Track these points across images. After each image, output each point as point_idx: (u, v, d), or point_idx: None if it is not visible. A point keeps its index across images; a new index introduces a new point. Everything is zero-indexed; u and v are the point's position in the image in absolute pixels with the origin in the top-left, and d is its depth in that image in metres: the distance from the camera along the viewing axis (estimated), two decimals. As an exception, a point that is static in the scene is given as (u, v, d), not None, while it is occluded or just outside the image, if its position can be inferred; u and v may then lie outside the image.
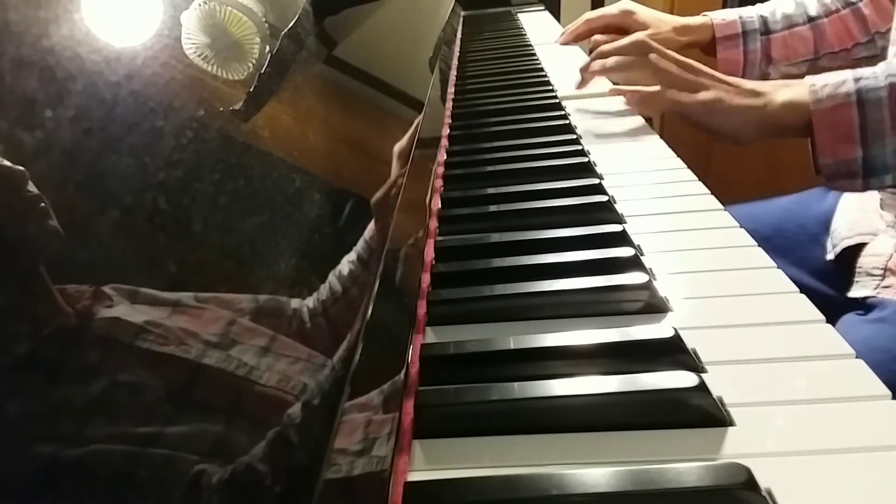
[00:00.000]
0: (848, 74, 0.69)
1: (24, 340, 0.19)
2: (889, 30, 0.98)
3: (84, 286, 0.21)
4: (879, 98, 0.66)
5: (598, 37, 1.18)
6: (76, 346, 0.20)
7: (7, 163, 0.20)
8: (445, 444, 0.35)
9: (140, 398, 0.21)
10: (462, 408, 0.35)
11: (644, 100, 0.84)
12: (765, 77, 1.09)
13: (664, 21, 1.14)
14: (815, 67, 1.08)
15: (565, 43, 1.28)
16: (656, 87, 0.81)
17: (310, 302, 0.31)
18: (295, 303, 0.30)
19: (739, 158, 1.95)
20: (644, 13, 1.15)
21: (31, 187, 0.21)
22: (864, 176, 0.68)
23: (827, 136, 0.68)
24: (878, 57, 1.07)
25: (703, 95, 0.76)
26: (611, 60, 0.87)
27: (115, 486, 0.19)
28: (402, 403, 0.35)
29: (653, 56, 0.81)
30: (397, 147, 0.54)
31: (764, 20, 1.08)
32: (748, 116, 0.74)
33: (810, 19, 1.07)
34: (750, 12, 1.09)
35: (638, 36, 0.89)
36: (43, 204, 0.21)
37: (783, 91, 0.73)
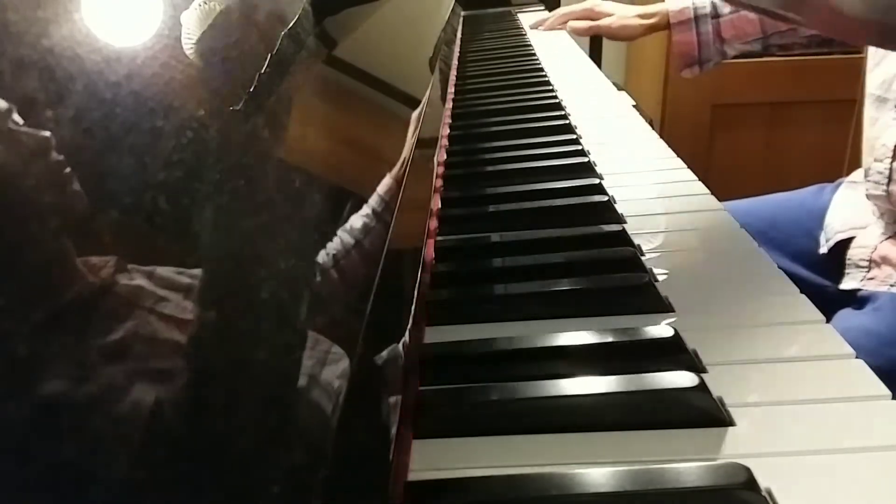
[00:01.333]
0: (689, 4, 1.14)
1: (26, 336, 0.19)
2: None
3: (108, 257, 0.22)
4: (708, 28, 1.05)
5: (572, 24, 1.45)
6: (80, 335, 0.20)
7: (31, 130, 0.21)
8: (445, 444, 0.35)
9: (136, 388, 0.21)
10: (462, 408, 0.35)
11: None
12: (722, 54, 1.28)
13: (627, 10, 1.36)
14: (767, 45, 1.25)
15: (535, 27, 1.55)
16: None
17: (309, 302, 0.31)
18: (293, 302, 0.30)
19: (739, 158, 1.95)
20: (607, 5, 1.38)
21: (56, 155, 0.21)
22: (700, 64, 1.16)
23: (677, 45, 1.14)
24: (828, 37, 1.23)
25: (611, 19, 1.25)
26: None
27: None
28: (402, 403, 0.35)
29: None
30: (397, 147, 0.54)
31: (714, 5, 1.24)
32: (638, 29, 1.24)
33: None
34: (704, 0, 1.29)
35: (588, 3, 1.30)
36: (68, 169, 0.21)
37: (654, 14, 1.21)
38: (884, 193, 0.83)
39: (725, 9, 1.21)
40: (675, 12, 1.24)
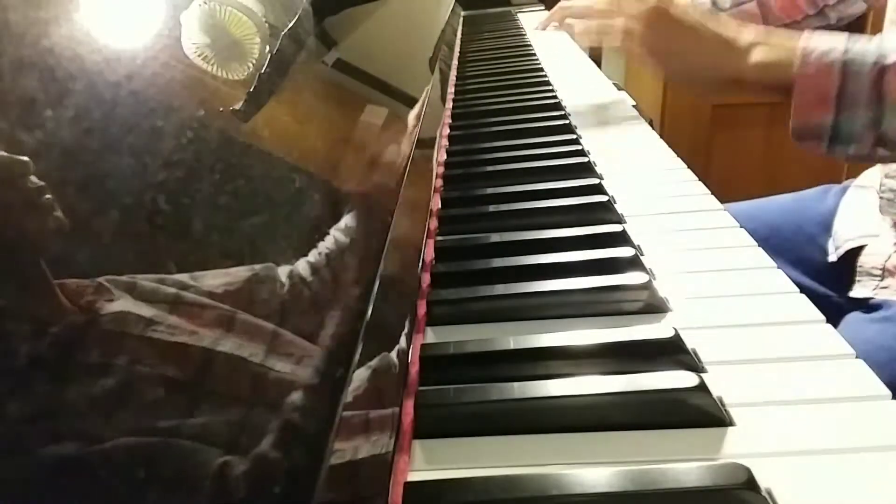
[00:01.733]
0: (839, 44, 0.68)
1: (27, 337, 0.19)
2: (838, 2, 1.06)
3: (86, 281, 0.21)
4: (863, 72, 0.66)
5: (568, 20, 1.31)
6: (79, 341, 0.20)
7: (8, 155, 0.21)
8: (445, 444, 0.35)
9: (138, 390, 0.21)
10: (462, 408, 0.35)
11: (589, 34, 0.89)
12: None
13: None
14: None
15: (543, 28, 1.41)
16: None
17: (308, 302, 0.31)
18: (292, 301, 0.30)
19: (739, 158, 1.95)
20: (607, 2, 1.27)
21: (35, 180, 0.21)
22: (830, 141, 0.69)
23: (804, 100, 0.69)
24: (832, 27, 1.12)
25: (652, 47, 0.77)
26: (579, 26, 0.91)
27: (118, 477, 0.19)
28: (402, 403, 0.35)
29: (619, 21, 0.82)
30: (397, 146, 0.54)
31: (714, 1, 1.16)
32: (711, 72, 0.74)
33: None
34: None
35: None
36: (47, 196, 0.21)
37: (761, 50, 0.72)
38: None
39: (725, 3, 1.17)
40: None
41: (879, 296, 0.79)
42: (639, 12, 0.79)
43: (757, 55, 0.72)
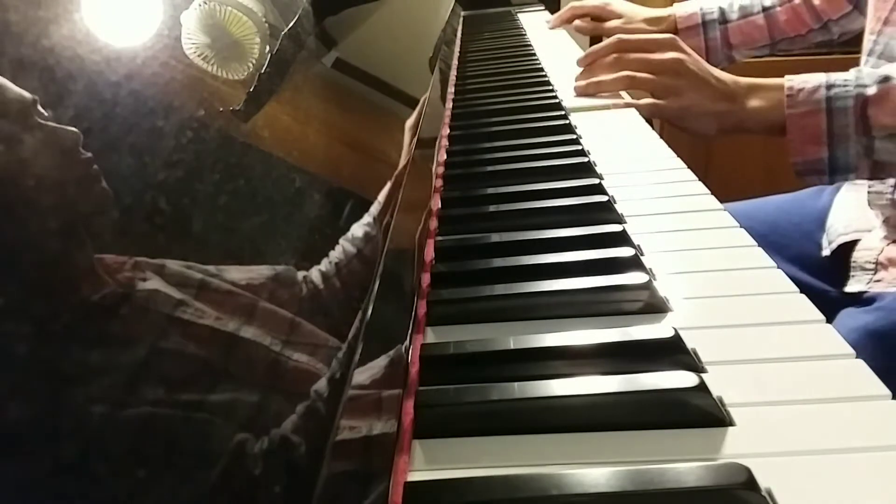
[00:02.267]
0: (822, 80, 0.75)
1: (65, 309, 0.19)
2: (841, 17, 1.12)
3: (123, 258, 0.22)
4: (847, 107, 0.72)
5: (577, 22, 1.37)
6: (96, 326, 0.20)
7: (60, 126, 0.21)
8: (445, 444, 0.35)
9: (155, 372, 0.21)
10: (462, 408, 0.35)
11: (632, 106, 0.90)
12: (730, 59, 1.23)
13: (636, 13, 1.30)
14: (775, 51, 1.23)
15: (554, 27, 1.46)
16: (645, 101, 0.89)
17: (308, 302, 0.31)
18: (292, 302, 0.30)
19: (739, 158, 1.95)
20: (618, 5, 1.32)
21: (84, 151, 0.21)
22: (830, 173, 0.76)
23: (797, 138, 0.76)
24: (834, 42, 1.20)
25: (677, 101, 0.83)
26: (592, 86, 0.93)
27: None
28: (402, 403, 0.35)
29: (628, 72, 0.88)
30: (397, 146, 0.54)
31: (722, 11, 1.20)
32: (719, 119, 0.82)
33: (764, 9, 1.19)
34: (711, 5, 1.22)
35: (613, 56, 0.92)
36: (95, 167, 0.21)
37: (756, 96, 0.80)
38: (888, 203, 0.83)
39: (733, 14, 1.20)
40: (682, 17, 1.23)
41: (873, 289, 0.81)
42: (660, 62, 0.85)
43: (753, 102, 0.79)
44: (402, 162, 0.51)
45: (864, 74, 0.73)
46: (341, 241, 0.36)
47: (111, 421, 0.19)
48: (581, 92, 0.94)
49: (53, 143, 0.21)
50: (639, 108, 0.87)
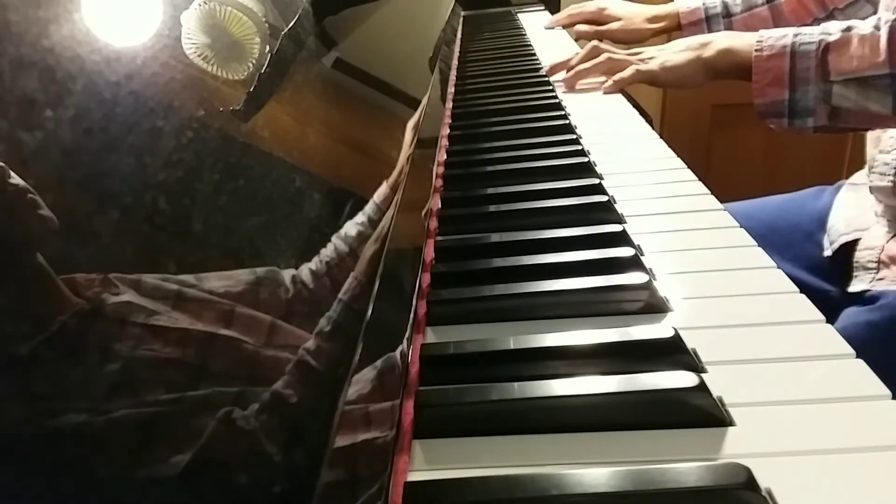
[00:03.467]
0: (790, 31, 0.79)
1: (27, 336, 0.19)
2: (847, 6, 1.12)
3: (91, 275, 0.22)
4: (809, 51, 0.76)
5: (578, 27, 1.38)
6: (76, 337, 0.20)
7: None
8: (445, 444, 0.35)
9: (144, 378, 0.21)
10: (462, 408, 0.35)
11: (618, 80, 0.96)
12: None
13: (636, 13, 1.31)
14: None
15: (551, 27, 1.48)
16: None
17: (308, 302, 0.31)
18: (292, 301, 0.30)
19: (739, 158, 1.95)
20: (615, 8, 1.34)
21: (15, 179, 0.21)
22: (790, 116, 0.80)
23: (760, 80, 0.80)
24: None
25: (653, 62, 0.93)
26: (580, 73, 1.01)
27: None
28: (402, 403, 0.35)
29: (605, 55, 0.98)
30: (397, 146, 0.54)
31: (725, 4, 1.21)
32: (694, 65, 0.89)
33: (768, 0, 1.19)
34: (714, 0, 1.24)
35: (589, 45, 1.03)
36: (31, 195, 0.21)
37: (725, 40, 0.87)
38: (889, 185, 0.83)
39: (736, 7, 1.20)
40: (686, 12, 1.23)
41: (877, 287, 0.81)
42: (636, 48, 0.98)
43: (723, 43, 0.86)
44: (402, 162, 0.51)
45: (831, 24, 0.77)
46: (341, 240, 0.36)
47: (100, 432, 0.19)
48: (569, 85, 1.00)
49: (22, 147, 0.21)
50: (622, 80, 0.94)
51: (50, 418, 0.18)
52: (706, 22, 1.22)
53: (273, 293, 0.30)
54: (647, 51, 0.97)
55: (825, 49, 0.75)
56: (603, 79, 0.98)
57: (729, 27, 1.21)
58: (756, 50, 0.80)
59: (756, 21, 1.19)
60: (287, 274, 0.31)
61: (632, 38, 1.29)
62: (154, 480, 0.20)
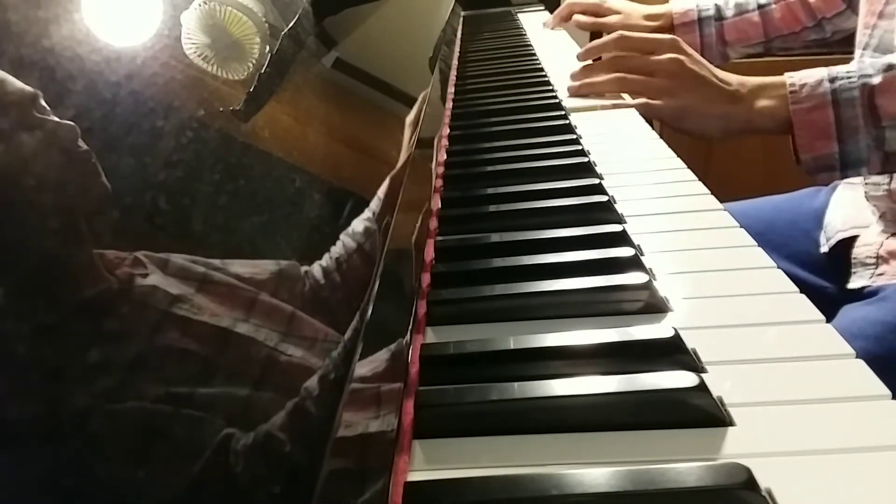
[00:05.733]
0: (824, 74, 0.73)
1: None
2: (835, 15, 1.13)
3: (124, 252, 0.22)
4: (853, 98, 0.71)
5: (576, 17, 1.37)
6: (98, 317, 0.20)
7: (56, 119, 0.21)
8: (445, 444, 0.35)
9: (156, 365, 0.21)
10: (462, 408, 0.35)
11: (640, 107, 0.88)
12: (724, 57, 1.24)
13: (634, 9, 1.31)
14: (769, 48, 1.22)
15: (553, 27, 1.45)
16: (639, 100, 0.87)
17: (308, 302, 0.31)
18: (292, 301, 0.30)
19: (739, 158, 1.95)
20: (615, 2, 1.34)
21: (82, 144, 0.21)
22: (842, 169, 0.74)
23: (805, 135, 0.74)
24: (826, 40, 1.20)
25: (672, 102, 0.82)
26: (585, 87, 0.93)
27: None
28: (402, 403, 0.35)
29: (621, 74, 0.87)
30: (397, 146, 0.54)
31: (718, 8, 1.22)
32: (724, 121, 0.80)
33: (759, 6, 1.20)
34: (706, 2, 1.23)
35: (612, 54, 0.92)
36: (94, 161, 0.21)
37: (759, 94, 0.78)
38: (884, 193, 0.83)
39: (728, 11, 1.21)
40: (679, 14, 1.24)
41: (877, 282, 0.81)
42: (658, 63, 0.84)
43: (760, 102, 0.77)
44: (403, 159, 0.51)
45: (867, 64, 0.72)
46: (340, 240, 0.36)
47: (116, 417, 0.19)
48: (574, 92, 0.94)
49: (52, 138, 0.21)
50: (636, 108, 0.87)
51: (59, 394, 0.18)
52: (698, 24, 1.23)
53: (294, 285, 0.30)
54: (677, 64, 0.82)
55: (871, 93, 0.71)
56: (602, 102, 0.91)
57: (720, 31, 1.22)
58: (792, 102, 0.74)
59: (747, 25, 1.20)
60: (301, 269, 0.31)
61: None
62: (152, 471, 0.20)
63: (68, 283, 0.20)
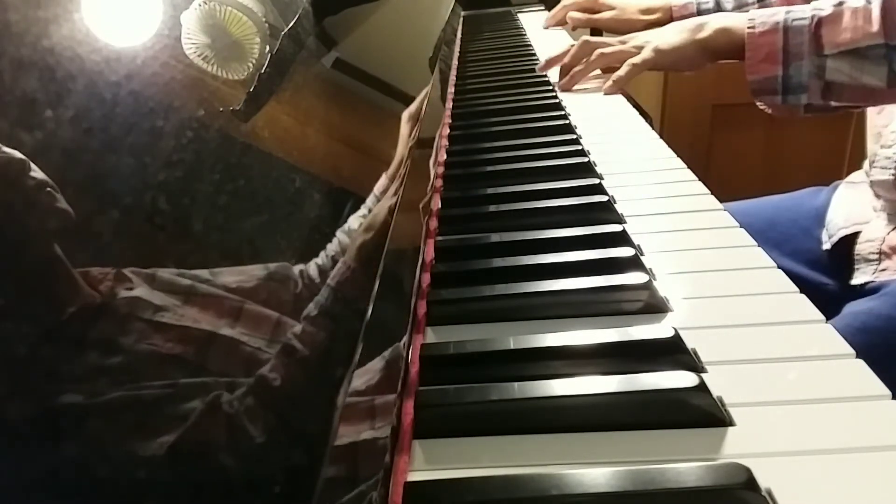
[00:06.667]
0: (782, 8, 0.79)
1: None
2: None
3: (106, 269, 0.22)
4: (802, 26, 0.77)
5: (571, 14, 1.39)
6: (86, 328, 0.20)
7: (8, 151, 0.21)
8: (445, 444, 0.35)
9: (154, 370, 0.21)
10: (462, 408, 0.35)
11: (616, 80, 0.95)
12: None
13: (629, 3, 1.32)
14: None
15: (549, 26, 1.48)
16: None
17: (308, 302, 0.31)
18: (292, 301, 0.30)
19: (739, 158, 1.95)
20: None
21: (36, 173, 0.21)
22: (783, 93, 0.80)
23: (754, 56, 0.80)
24: None
25: (650, 47, 0.92)
26: (576, 75, 0.99)
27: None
28: (402, 403, 0.35)
29: (600, 49, 0.97)
30: (397, 146, 0.54)
31: (717, 1, 1.23)
32: (691, 46, 0.89)
33: (759, 0, 1.21)
34: None
35: (580, 41, 1.01)
36: (49, 189, 0.21)
37: (719, 19, 0.88)
38: (891, 178, 0.83)
39: (728, 5, 1.21)
40: (678, 7, 1.25)
41: (879, 278, 0.82)
42: (627, 36, 0.97)
43: (718, 23, 0.87)
44: (402, 162, 0.51)
45: (822, 1, 0.77)
46: (341, 240, 0.36)
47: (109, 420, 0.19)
48: (566, 86, 0.99)
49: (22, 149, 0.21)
50: (620, 80, 0.93)
51: (47, 405, 0.18)
52: (697, 16, 1.23)
53: (284, 288, 0.30)
54: (638, 36, 0.96)
55: (818, 23, 0.76)
56: (598, 82, 0.97)
57: None
58: (748, 28, 0.81)
59: None
60: (295, 269, 0.31)
61: (624, 29, 1.29)
62: (141, 470, 0.20)
63: (48, 304, 0.20)
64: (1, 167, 0.21)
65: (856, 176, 0.96)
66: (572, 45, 1.02)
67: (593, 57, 0.97)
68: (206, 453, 0.21)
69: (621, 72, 0.93)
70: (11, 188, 0.21)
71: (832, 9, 0.76)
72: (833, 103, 0.79)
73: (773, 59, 0.79)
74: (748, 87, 0.82)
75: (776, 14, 0.79)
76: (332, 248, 0.35)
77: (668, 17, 1.25)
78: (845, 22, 0.74)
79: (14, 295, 0.19)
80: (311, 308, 0.31)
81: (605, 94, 0.95)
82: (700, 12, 1.22)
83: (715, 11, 1.21)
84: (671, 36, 0.91)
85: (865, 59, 0.74)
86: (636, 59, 0.92)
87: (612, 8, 1.33)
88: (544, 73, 1.07)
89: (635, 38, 0.96)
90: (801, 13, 0.77)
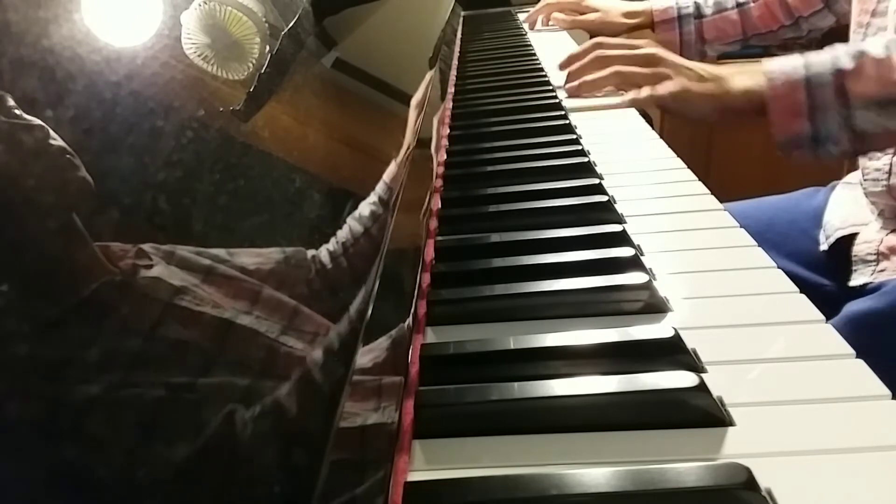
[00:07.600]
0: (799, 62, 0.77)
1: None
2: (812, 14, 1.16)
3: (127, 245, 0.22)
4: (825, 82, 0.75)
5: (555, 15, 1.40)
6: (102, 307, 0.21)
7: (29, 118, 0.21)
8: (445, 444, 0.35)
9: (166, 353, 0.21)
10: (462, 408, 0.35)
11: (633, 101, 0.89)
12: (702, 55, 1.26)
13: (613, 6, 1.33)
14: (746, 46, 1.25)
15: (532, 25, 1.48)
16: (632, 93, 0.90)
17: (308, 302, 0.31)
18: (292, 301, 0.30)
19: (739, 158, 1.95)
20: (593, 0, 1.37)
21: (56, 140, 0.21)
22: (814, 147, 0.77)
23: (779, 114, 0.77)
24: (803, 38, 1.24)
25: (669, 86, 0.84)
26: (585, 85, 0.94)
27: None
28: (402, 403, 0.35)
29: (617, 68, 0.90)
30: (397, 146, 0.54)
31: (697, 6, 1.24)
32: (711, 103, 0.83)
33: (738, 4, 1.22)
34: (687, 0, 1.26)
35: (595, 53, 0.94)
36: (69, 155, 0.22)
37: (739, 78, 0.82)
38: (884, 189, 0.84)
39: (708, 9, 1.23)
40: (658, 11, 1.26)
41: (877, 279, 0.82)
42: (641, 55, 0.88)
43: (738, 81, 0.81)
44: (402, 162, 0.51)
45: (841, 52, 0.76)
46: (341, 240, 0.36)
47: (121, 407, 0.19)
48: (573, 92, 0.94)
49: (19, 139, 0.21)
50: (634, 101, 0.88)
51: (63, 385, 0.18)
52: (678, 21, 1.25)
53: (298, 273, 0.30)
54: (662, 57, 0.87)
55: (841, 78, 0.74)
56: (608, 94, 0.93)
57: (699, 28, 1.24)
58: (769, 86, 0.77)
59: (725, 23, 1.23)
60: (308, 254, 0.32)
61: (607, 31, 1.30)
62: (150, 463, 0.20)
63: (63, 279, 0.20)
64: (24, 129, 0.21)
65: (852, 177, 0.96)
66: (590, 44, 0.96)
67: (606, 73, 0.91)
68: (219, 464, 0.22)
69: (640, 95, 0.87)
70: (33, 152, 0.21)
71: (854, 62, 0.74)
72: (865, 149, 0.79)
73: (799, 114, 0.76)
74: (777, 147, 0.79)
75: (795, 69, 0.76)
76: (332, 246, 0.35)
77: (649, 22, 1.27)
78: (869, 73, 0.73)
79: (35, 265, 0.19)
80: (312, 308, 0.31)
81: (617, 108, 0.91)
82: (680, 17, 1.24)
83: (695, 16, 1.23)
84: (693, 83, 0.84)
85: (892, 108, 0.73)
86: (656, 92, 0.85)
87: (596, 10, 1.34)
88: (544, 73, 1.07)
89: (660, 61, 0.87)
90: (822, 66, 0.75)
